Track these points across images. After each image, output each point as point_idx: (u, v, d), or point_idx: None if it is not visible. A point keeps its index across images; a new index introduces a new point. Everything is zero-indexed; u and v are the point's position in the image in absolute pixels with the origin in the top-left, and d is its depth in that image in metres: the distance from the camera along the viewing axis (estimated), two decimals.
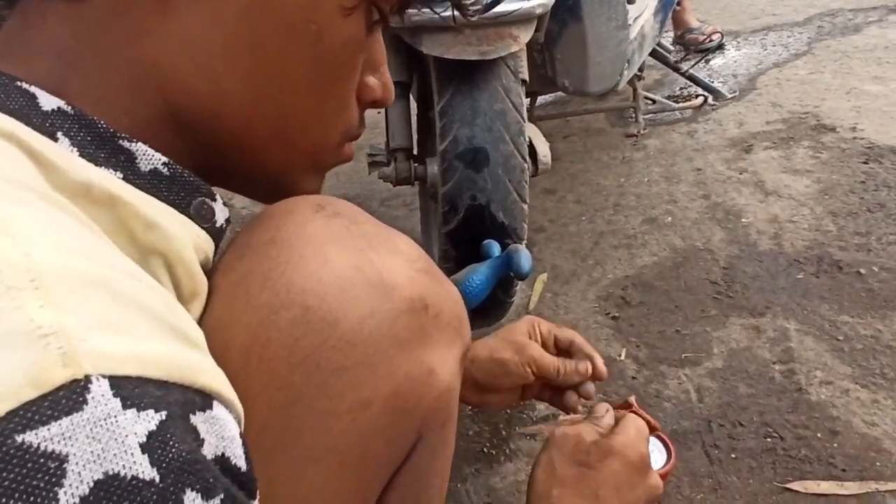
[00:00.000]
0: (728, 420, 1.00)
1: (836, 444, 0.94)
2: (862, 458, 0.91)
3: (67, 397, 0.20)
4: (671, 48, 2.44)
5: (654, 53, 2.18)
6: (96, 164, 0.32)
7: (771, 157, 1.77)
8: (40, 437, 0.19)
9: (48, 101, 0.32)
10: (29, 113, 0.31)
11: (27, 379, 0.20)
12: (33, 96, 0.32)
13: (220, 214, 0.40)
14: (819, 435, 0.96)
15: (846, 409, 0.99)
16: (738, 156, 1.82)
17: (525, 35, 0.86)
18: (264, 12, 0.37)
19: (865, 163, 1.64)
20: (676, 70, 2.25)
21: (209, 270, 0.40)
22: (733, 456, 0.95)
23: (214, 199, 0.39)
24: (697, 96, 2.21)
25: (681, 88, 2.39)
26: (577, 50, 1.31)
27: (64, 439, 0.20)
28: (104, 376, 0.21)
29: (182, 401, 0.24)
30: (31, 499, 0.19)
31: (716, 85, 2.24)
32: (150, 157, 0.35)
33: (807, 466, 0.91)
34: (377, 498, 0.43)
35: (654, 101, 2.16)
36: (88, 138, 0.33)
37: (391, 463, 0.42)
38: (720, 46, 2.64)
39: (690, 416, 1.02)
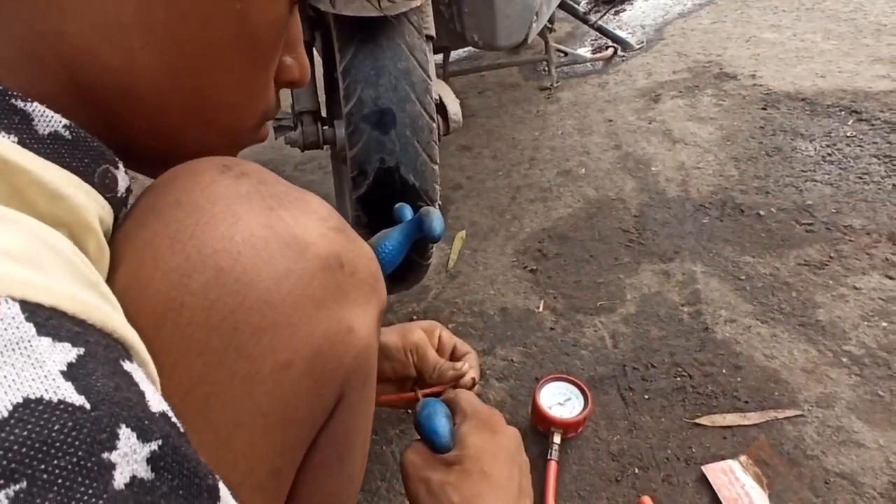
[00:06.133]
0: (641, 363, 1.04)
1: (739, 379, 0.99)
2: (762, 389, 0.97)
3: None
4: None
5: (563, 5, 2.18)
6: None
7: (678, 106, 1.81)
8: None
9: None
10: None
11: None
12: None
13: (122, 183, 0.37)
14: (724, 371, 1.01)
15: (748, 345, 1.04)
16: (647, 105, 1.86)
17: None
18: None
19: (764, 108, 1.71)
20: (585, 21, 2.27)
21: (109, 241, 0.37)
22: (646, 397, 0.98)
23: (117, 167, 0.37)
24: (608, 48, 2.23)
25: (592, 40, 2.40)
26: (485, 3, 1.28)
27: None
28: (14, 299, 0.20)
29: (105, 344, 0.22)
30: None
31: (625, 36, 2.27)
32: (48, 119, 0.32)
33: (714, 401, 0.96)
34: (302, 458, 0.43)
35: (566, 54, 2.16)
36: None
37: (315, 423, 0.41)
38: None
39: (606, 361, 1.06)
